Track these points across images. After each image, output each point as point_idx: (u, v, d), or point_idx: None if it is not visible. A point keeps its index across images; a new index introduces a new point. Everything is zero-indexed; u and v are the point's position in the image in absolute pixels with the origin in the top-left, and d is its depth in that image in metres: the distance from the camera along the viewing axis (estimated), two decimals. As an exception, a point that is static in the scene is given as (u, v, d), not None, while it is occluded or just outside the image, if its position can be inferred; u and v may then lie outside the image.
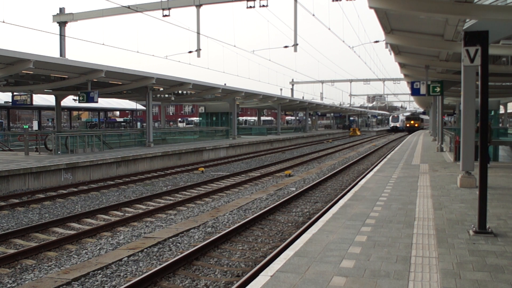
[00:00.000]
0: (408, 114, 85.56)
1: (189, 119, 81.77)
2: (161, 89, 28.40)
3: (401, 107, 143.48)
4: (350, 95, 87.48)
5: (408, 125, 72.99)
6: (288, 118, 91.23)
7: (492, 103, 36.78)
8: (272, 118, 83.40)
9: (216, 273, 6.64)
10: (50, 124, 65.77)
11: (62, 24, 26.50)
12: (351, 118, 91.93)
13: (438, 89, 18.06)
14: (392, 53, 17.19)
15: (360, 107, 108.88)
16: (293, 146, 38.23)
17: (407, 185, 10.96)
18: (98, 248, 7.98)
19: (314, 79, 63.83)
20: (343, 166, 19.91)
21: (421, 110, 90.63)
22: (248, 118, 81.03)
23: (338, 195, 12.76)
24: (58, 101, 27.72)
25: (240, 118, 69.75)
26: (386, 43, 15.31)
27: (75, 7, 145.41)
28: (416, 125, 71.04)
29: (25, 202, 12.12)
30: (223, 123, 41.88)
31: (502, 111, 46.83)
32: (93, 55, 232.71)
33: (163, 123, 44.02)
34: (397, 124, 75.25)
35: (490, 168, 13.10)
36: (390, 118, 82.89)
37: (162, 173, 18.85)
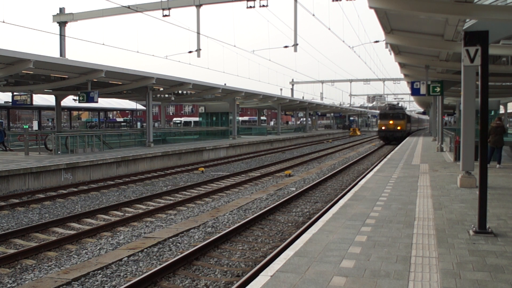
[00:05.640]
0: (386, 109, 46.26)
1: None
2: (161, 89, 28.40)
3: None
4: (350, 95, 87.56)
5: (383, 127, 39.91)
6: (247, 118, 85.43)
7: (492, 103, 36.71)
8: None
9: (216, 273, 6.64)
10: (50, 124, 65.75)
11: (62, 24, 26.50)
12: (351, 118, 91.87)
13: (438, 89, 18.08)
14: (392, 53, 17.19)
15: (360, 107, 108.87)
16: (293, 146, 38.23)
17: (407, 185, 10.96)
18: (98, 248, 7.98)
19: (314, 79, 63.94)
20: (343, 166, 19.91)
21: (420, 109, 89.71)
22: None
23: (338, 195, 12.76)
24: (58, 101, 27.71)
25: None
26: (386, 43, 15.31)
27: (75, 7, 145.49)
28: (398, 127, 39.24)
29: (25, 202, 12.12)
30: (223, 123, 41.87)
31: (502, 111, 46.84)
32: (93, 55, 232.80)
33: (163, 123, 44.03)
34: None
35: (490, 168, 13.09)
36: None
37: (162, 173, 18.85)
